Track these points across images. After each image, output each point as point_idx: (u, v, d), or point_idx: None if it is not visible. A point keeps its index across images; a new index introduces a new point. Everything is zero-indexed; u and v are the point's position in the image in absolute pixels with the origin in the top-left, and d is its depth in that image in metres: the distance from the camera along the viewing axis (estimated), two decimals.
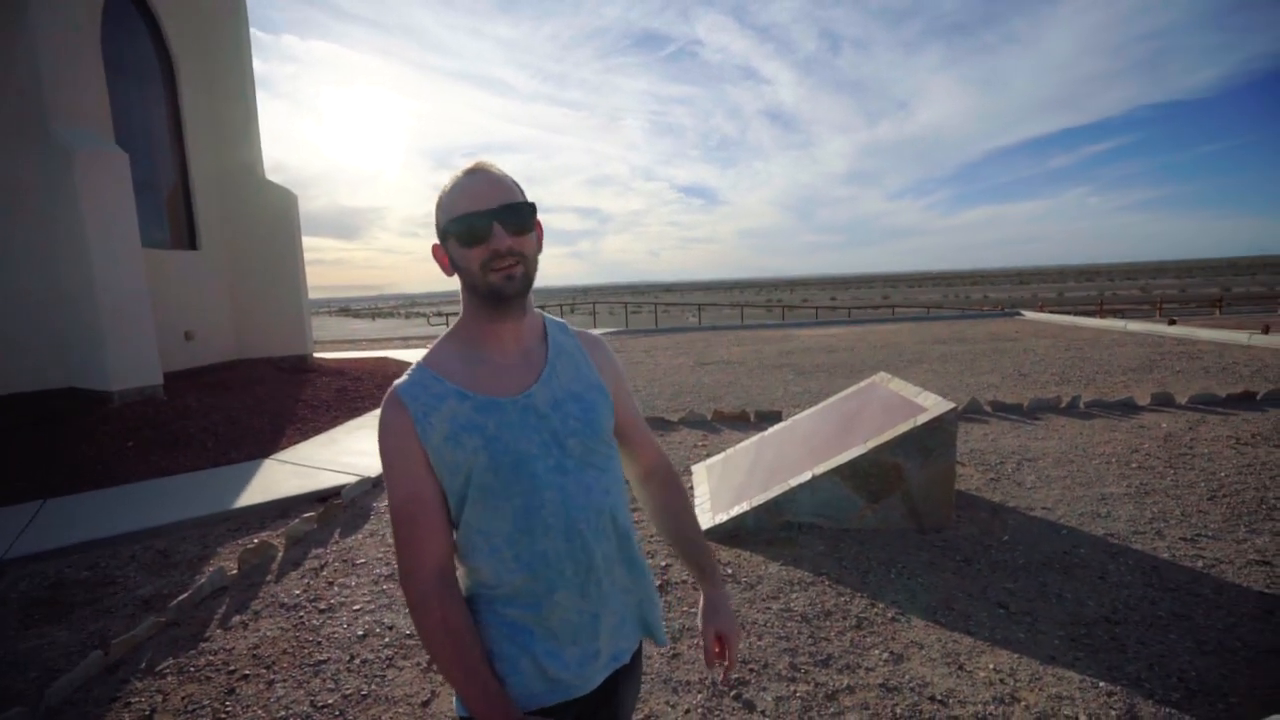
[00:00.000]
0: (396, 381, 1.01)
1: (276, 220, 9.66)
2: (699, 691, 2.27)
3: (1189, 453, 4.61)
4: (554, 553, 0.98)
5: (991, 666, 2.33)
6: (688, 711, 2.18)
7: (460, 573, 1.05)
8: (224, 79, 9.35)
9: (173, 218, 8.85)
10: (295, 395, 7.88)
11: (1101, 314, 19.35)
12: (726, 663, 1.13)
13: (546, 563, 0.98)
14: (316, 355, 10.76)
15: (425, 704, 2.29)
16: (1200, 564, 3.03)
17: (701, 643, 1.13)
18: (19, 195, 6.51)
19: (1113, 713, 2.06)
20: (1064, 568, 3.05)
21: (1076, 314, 16.96)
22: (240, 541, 3.85)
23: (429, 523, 0.97)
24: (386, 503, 4.37)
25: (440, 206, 1.00)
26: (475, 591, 1.03)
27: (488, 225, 0.95)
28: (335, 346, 16.20)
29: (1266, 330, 10.68)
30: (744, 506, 3.66)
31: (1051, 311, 18.27)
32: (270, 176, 9.90)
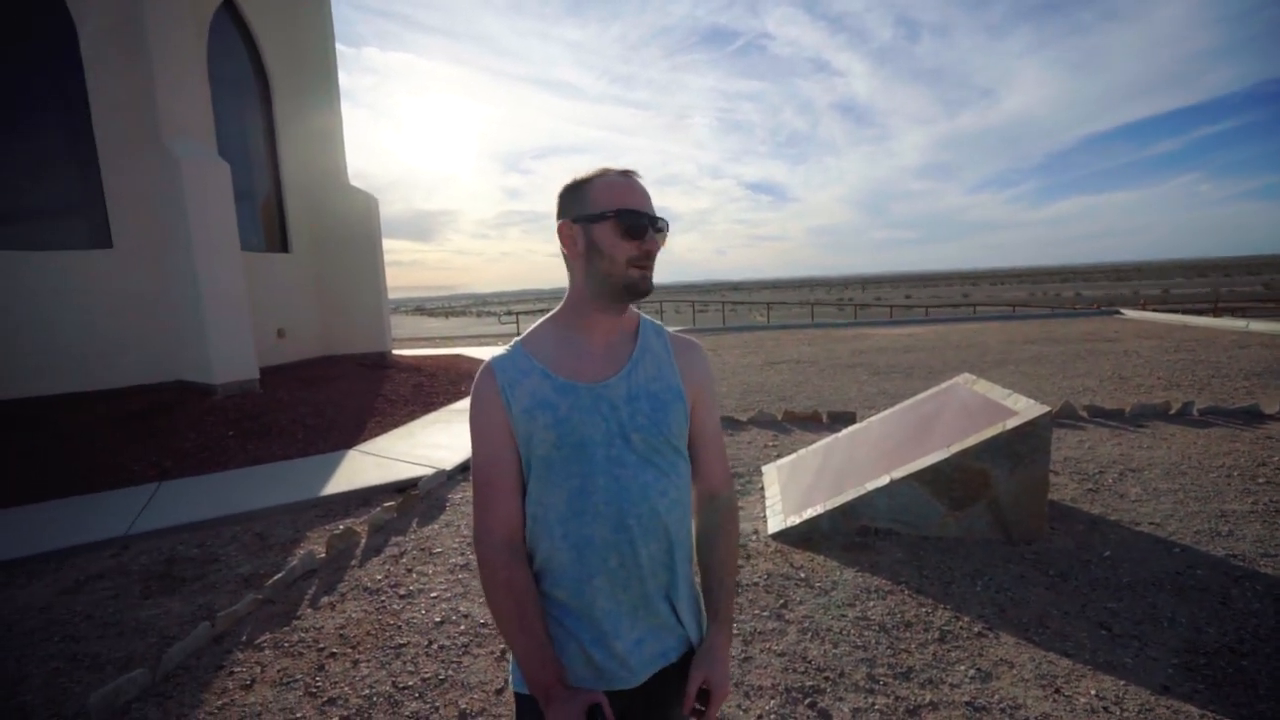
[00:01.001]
0: (495, 353, 1.10)
1: (359, 224, 10.20)
2: (772, 697, 2.21)
3: None
4: (600, 540, 1.02)
5: (1094, 692, 2.15)
6: (760, 717, 2.12)
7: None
8: (312, 91, 9.95)
9: (266, 222, 9.51)
10: (375, 390, 8.29)
11: (1217, 312, 17.62)
12: (704, 716, 1.05)
13: (592, 547, 1.01)
14: (395, 352, 11.29)
15: (499, 691, 2.35)
16: None
17: (687, 686, 1.03)
18: (134, 203, 7.16)
19: None
20: (1177, 589, 2.78)
21: (1185, 313, 15.52)
22: (327, 527, 4.08)
23: (504, 486, 1.04)
24: (460, 495, 4.52)
25: (584, 192, 1.03)
26: (534, 569, 1.07)
27: (647, 226, 1.02)
28: (411, 344, 16.96)
29: None
30: (818, 509, 3.54)
31: (1156, 310, 16.82)
32: (353, 182, 10.46)
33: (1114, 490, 3.95)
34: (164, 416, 6.53)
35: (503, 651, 2.60)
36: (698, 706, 1.04)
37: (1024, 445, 3.23)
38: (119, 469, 5.32)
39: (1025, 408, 3.38)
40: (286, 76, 9.58)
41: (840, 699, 2.19)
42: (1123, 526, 3.44)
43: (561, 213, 1.06)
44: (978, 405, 3.78)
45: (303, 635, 2.81)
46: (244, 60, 9.09)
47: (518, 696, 1.08)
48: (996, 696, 2.15)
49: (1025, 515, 3.30)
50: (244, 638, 2.80)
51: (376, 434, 6.32)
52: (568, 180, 1.07)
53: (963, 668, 2.31)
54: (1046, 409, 3.27)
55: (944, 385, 4.53)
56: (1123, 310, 15.78)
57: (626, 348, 1.10)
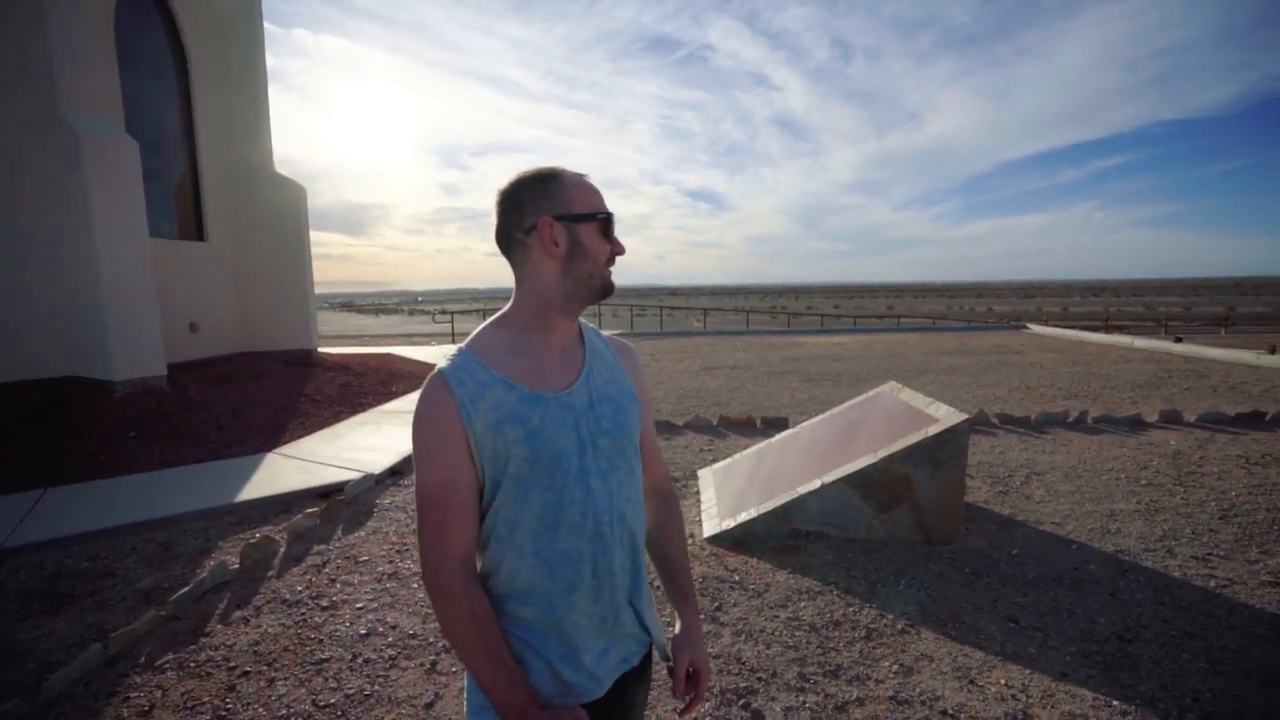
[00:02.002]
0: (440, 364, 1.00)
1: (284, 214, 9.67)
2: (707, 700, 2.23)
3: (1198, 471, 4.57)
4: (576, 553, 0.98)
5: (1003, 681, 2.29)
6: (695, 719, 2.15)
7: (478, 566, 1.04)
8: (236, 72, 9.37)
9: (181, 208, 8.85)
10: (299, 390, 7.86)
11: (1107, 329, 19.30)
12: (693, 696, 1.12)
13: (567, 562, 0.98)
14: (321, 350, 10.75)
15: (429, 706, 2.26)
16: (1213, 584, 2.99)
17: (672, 670, 1.10)
18: (26, 180, 6.51)
19: None
20: (1074, 583, 3.01)
21: (1082, 329, 16.91)
22: (242, 536, 3.82)
23: (461, 511, 0.96)
24: (390, 500, 4.35)
25: (561, 190, 0.99)
26: (488, 586, 1.01)
27: (613, 228, 1.03)
28: (339, 342, 16.20)
29: (1274, 350, 10.64)
30: (752, 513, 3.63)
31: (1057, 325, 18.23)
32: (278, 170, 9.91)
33: (1021, 492, 4.25)
34: (53, 417, 5.95)
35: (432, 664, 2.51)
36: (687, 696, 1.11)
37: (944, 451, 3.43)
38: None
39: (946, 415, 3.58)
40: (207, 54, 8.98)
41: (773, 699, 2.24)
42: (1028, 526, 3.71)
43: (529, 210, 0.99)
44: (902, 412, 3.98)
45: (211, 654, 2.61)
46: (159, 34, 8.45)
47: None
48: (918, 690, 2.26)
49: (944, 517, 3.50)
50: (142, 659, 2.58)
51: (299, 436, 5.99)
52: (524, 175, 1.01)
53: (887, 664, 2.42)
54: (965, 416, 3.48)
55: (871, 393, 4.74)
56: (1029, 325, 17.03)
57: (578, 352, 1.08)
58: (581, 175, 1.03)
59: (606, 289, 1.03)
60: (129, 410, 6.24)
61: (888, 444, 3.57)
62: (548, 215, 0.98)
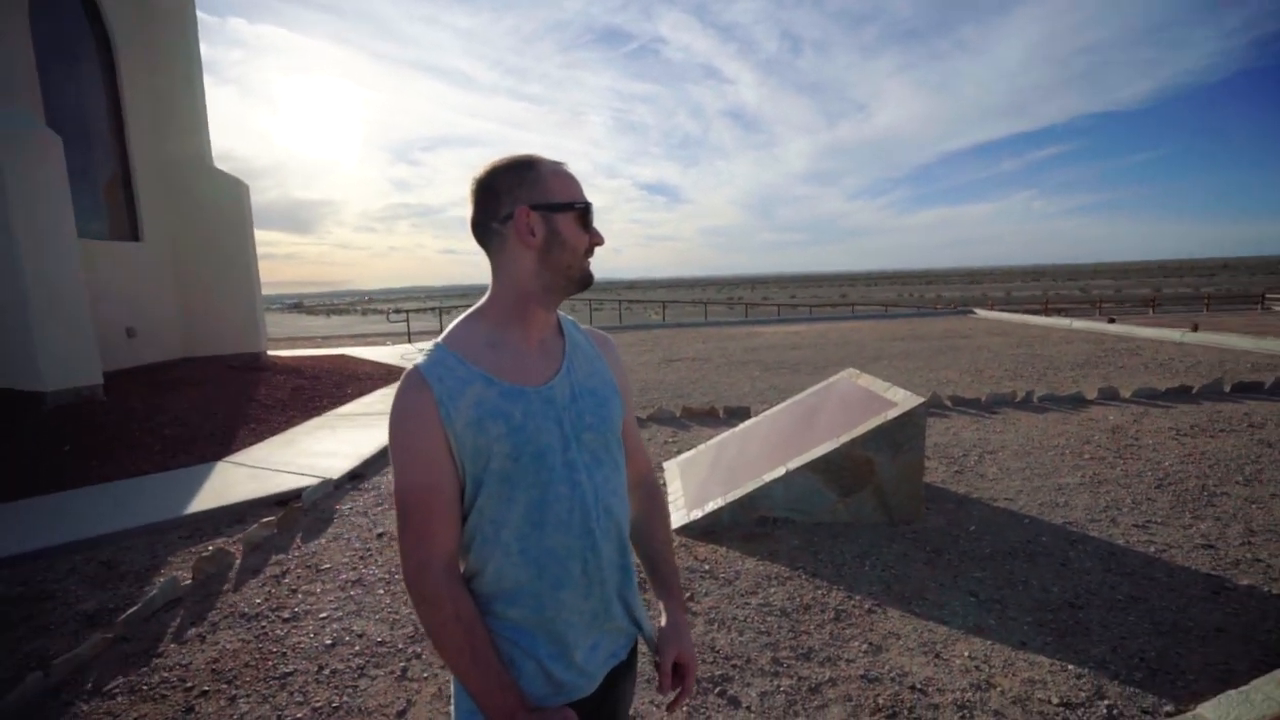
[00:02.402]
0: (416, 361, 0.97)
1: (226, 212, 9.24)
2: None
3: (1135, 444, 4.84)
4: (563, 549, 0.96)
5: (967, 654, 2.38)
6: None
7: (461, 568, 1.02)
8: (169, 62, 8.88)
9: (112, 207, 8.36)
10: (248, 395, 7.55)
11: (1047, 312, 20.21)
12: (681, 690, 1.10)
13: (555, 559, 0.96)
14: (270, 353, 10.34)
15: (401, 714, 2.21)
16: (1152, 549, 3.17)
17: (659, 664, 1.08)
18: None
19: (1082, 694, 2.13)
20: (1028, 556, 3.15)
21: (1025, 312, 17.66)
22: (194, 549, 3.65)
23: (443, 512, 0.93)
24: (350, 505, 4.22)
25: (538, 178, 0.96)
26: (473, 588, 0.98)
27: (592, 218, 1.00)
28: (289, 344, 15.61)
29: (1196, 329, 11.35)
30: (719, 502, 3.66)
31: (1001, 310, 18.99)
32: (217, 165, 9.45)
33: (975, 471, 4.42)
34: None
35: (403, 670, 2.46)
36: (674, 690, 1.09)
37: (903, 434, 3.53)
38: None
39: (903, 399, 3.69)
40: (136, 43, 8.47)
41: (748, 685, 2.27)
42: (984, 503, 3.86)
43: (505, 199, 0.96)
44: (861, 397, 4.08)
45: (165, 675, 2.49)
46: (81, 21, 7.93)
47: None
48: (887, 667, 2.33)
49: (905, 498, 3.61)
50: (89, 685, 2.44)
51: (251, 443, 5.75)
52: (500, 163, 0.98)
53: (856, 643, 2.49)
54: (922, 399, 3.59)
55: (830, 380, 4.84)
56: (975, 310, 17.69)
57: (557, 345, 1.05)
58: (559, 163, 1.00)
59: (585, 280, 1.02)
60: (62, 422, 5.88)
61: (848, 429, 3.66)
62: (524, 204, 0.95)
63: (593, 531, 0.98)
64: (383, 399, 7.69)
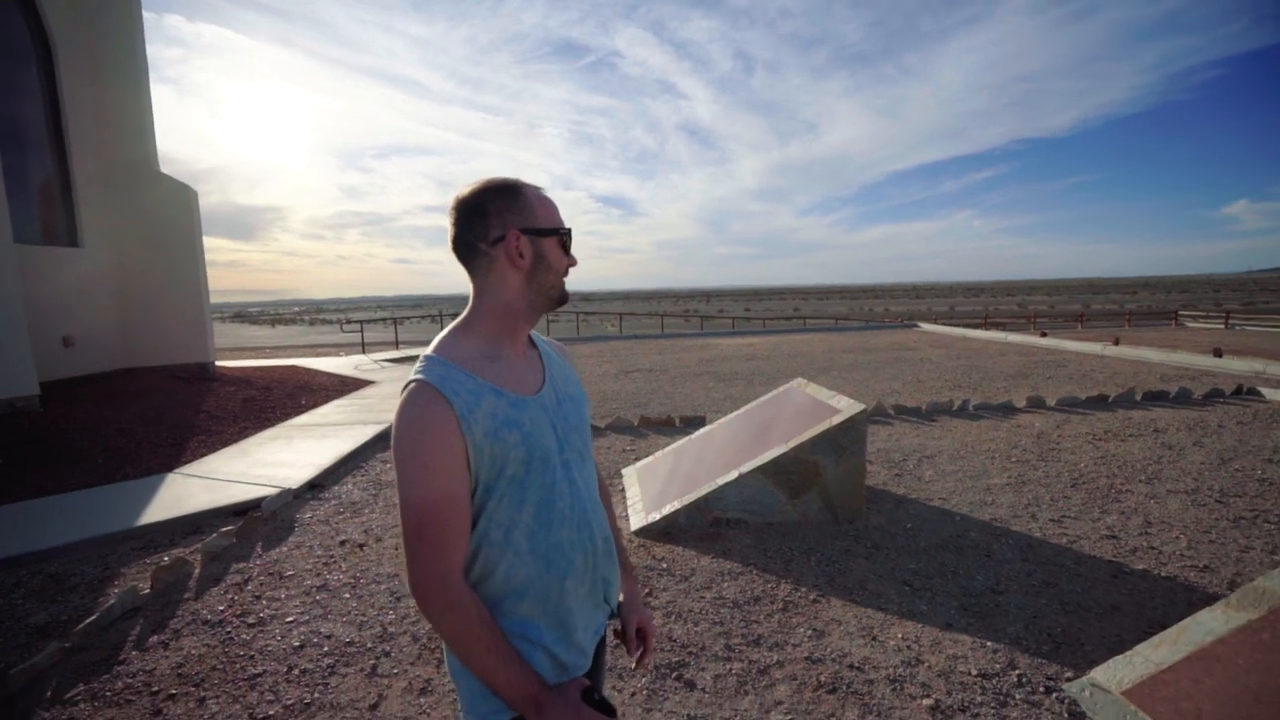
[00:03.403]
0: (422, 376, 0.98)
1: (172, 217, 9.00)
2: (643, 676, 2.41)
3: (1056, 447, 5.28)
4: (567, 543, 1.05)
5: (900, 635, 2.63)
6: (634, 694, 2.32)
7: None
8: (112, 64, 8.63)
9: (46, 211, 8.04)
10: (197, 406, 7.36)
11: (987, 327, 21.34)
12: (643, 649, 1.24)
13: (560, 553, 1.04)
14: (218, 364, 10.04)
15: (373, 707, 2.30)
16: (1065, 540, 3.52)
17: (624, 631, 1.23)
18: None
19: (997, 666, 2.40)
20: (957, 549, 3.44)
21: (966, 326, 18.60)
22: (148, 560, 3.61)
23: (460, 524, 0.97)
24: (311, 514, 4.22)
25: (524, 203, 1.03)
26: (481, 591, 1.03)
27: (571, 243, 1.09)
28: (236, 355, 15.12)
29: (1117, 342, 12.26)
30: (675, 505, 3.85)
31: (944, 324, 19.93)
32: (162, 169, 9.20)
33: (914, 474, 4.74)
34: None
35: (373, 668, 2.54)
36: (638, 650, 1.25)
37: (846, 438, 3.80)
38: None
39: (847, 406, 3.97)
40: (73, 39, 8.21)
41: (703, 669, 2.45)
42: (920, 503, 4.16)
43: (495, 221, 1.02)
44: (809, 405, 4.35)
45: (129, 681, 2.50)
46: (16, 18, 7.65)
47: None
48: (829, 649, 2.55)
49: (848, 498, 3.87)
50: (48, 694, 2.43)
51: (202, 454, 5.64)
52: (488, 185, 1.03)
53: (802, 630, 2.70)
54: (863, 407, 3.87)
55: (780, 389, 5.11)
56: (920, 324, 18.54)
57: (534, 355, 1.14)
58: (539, 188, 1.07)
59: (563, 298, 1.11)
60: None
61: (797, 435, 3.91)
62: (515, 228, 1.01)
63: (590, 524, 1.09)
64: (338, 409, 7.61)
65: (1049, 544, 3.48)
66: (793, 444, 3.82)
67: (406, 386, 0.98)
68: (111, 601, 2.99)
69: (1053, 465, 4.83)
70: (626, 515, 4.07)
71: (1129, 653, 2.27)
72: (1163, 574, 3.11)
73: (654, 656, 2.52)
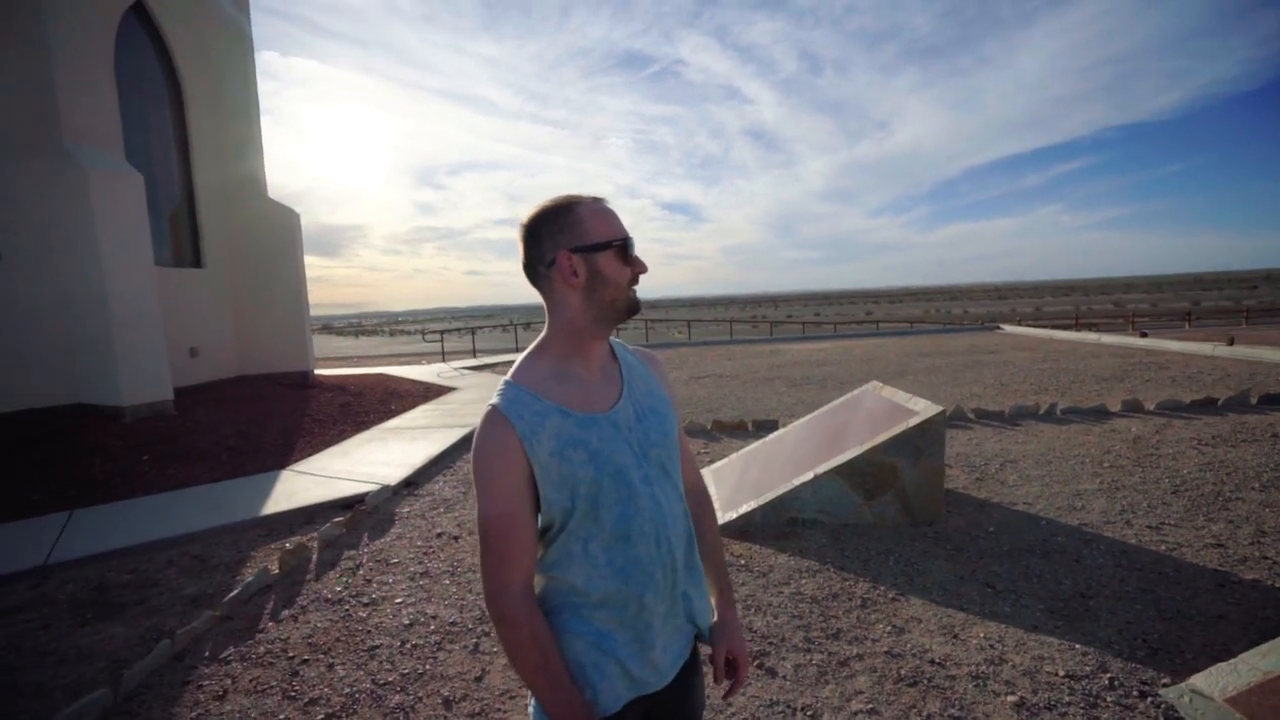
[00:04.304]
0: (495, 401, 1.04)
1: (279, 238, 9.88)
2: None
3: (1155, 453, 4.99)
4: (646, 558, 1.05)
5: (982, 635, 2.62)
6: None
7: (541, 584, 1.09)
8: (228, 98, 9.61)
9: (176, 235, 9.03)
10: (300, 410, 8.04)
11: (1077, 328, 20.04)
12: (734, 681, 1.19)
13: (640, 568, 1.05)
14: (316, 372, 10.90)
15: (478, 679, 2.53)
16: (1164, 548, 3.36)
17: (713, 657, 1.18)
18: (27, 209, 6.67)
19: (1087, 668, 2.36)
20: (1044, 553, 3.36)
21: (1053, 328, 17.58)
22: (273, 545, 4.04)
23: (522, 539, 1.01)
24: (408, 509, 4.58)
25: (575, 221, 1.04)
26: (562, 601, 1.07)
27: (633, 249, 1.08)
28: (327, 364, 16.29)
29: (1231, 342, 11.27)
30: (752, 505, 3.94)
31: (1030, 325, 18.90)
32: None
33: (996, 478, 4.62)
34: (63, 442, 6.09)
35: (475, 645, 2.78)
36: (726, 682, 1.19)
37: (924, 440, 3.78)
38: (18, 501, 4.95)
39: (924, 408, 3.94)
40: (199, 81, 9.22)
41: (784, 658, 2.54)
42: (1003, 507, 4.06)
43: (548, 244, 1.04)
44: (884, 408, 4.33)
45: (269, 646, 2.85)
46: (153, 61, 8.67)
47: None
48: (909, 645, 2.58)
49: (926, 501, 3.84)
50: (206, 654, 2.81)
51: (308, 453, 6.19)
52: (542, 210, 1.06)
53: (881, 626, 2.74)
54: (941, 409, 3.83)
55: (854, 392, 5.10)
56: (1003, 326, 17.66)
57: (614, 369, 1.14)
58: (598, 200, 1.07)
59: (633, 308, 1.08)
60: (139, 434, 6.39)
61: (872, 437, 3.92)
62: (564, 249, 1.03)
63: (669, 539, 1.08)
64: (424, 414, 8.11)
65: (1146, 550, 3.34)
66: (868, 446, 3.84)
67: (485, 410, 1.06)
68: (249, 579, 3.39)
69: (1150, 471, 4.58)
70: None
71: (1234, 660, 2.19)
72: (1277, 585, 2.93)
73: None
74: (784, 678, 2.42)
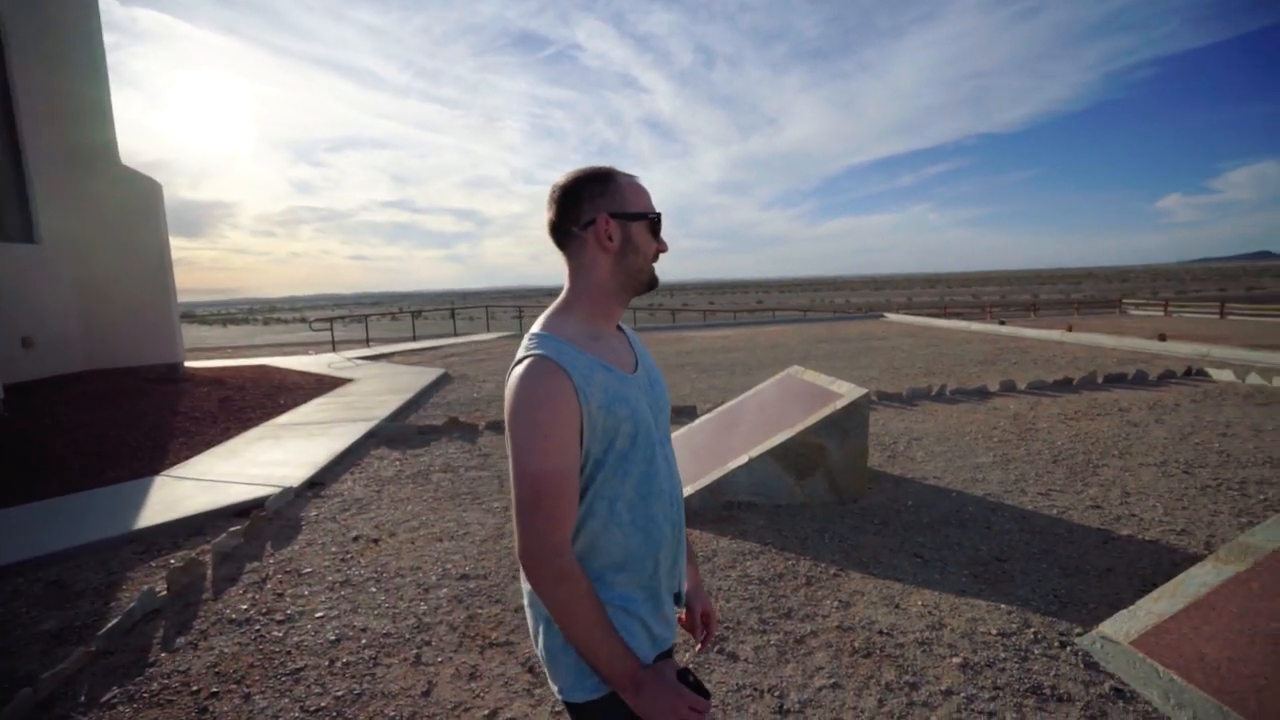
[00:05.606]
0: (540, 351, 1.00)
1: (136, 213, 8.63)
2: (686, 650, 2.50)
3: (1033, 428, 5.57)
4: (662, 516, 1.09)
5: (920, 603, 2.78)
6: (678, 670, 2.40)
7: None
8: (67, 51, 8.20)
9: (2, 206, 7.63)
10: (171, 407, 7.11)
11: (946, 316, 22.12)
12: (706, 634, 1.29)
13: (655, 524, 1.08)
14: (186, 364, 9.69)
15: (425, 693, 2.33)
16: (1055, 512, 3.75)
17: (688, 617, 1.27)
18: None
19: (1014, 625, 2.57)
20: (959, 522, 3.64)
21: (926, 316, 19.24)
22: (154, 563, 3.52)
23: (573, 494, 1.00)
24: (316, 512, 4.17)
25: (616, 190, 1.07)
26: (584, 566, 1.04)
27: (660, 228, 1.12)
28: (195, 355, 14.58)
29: (1070, 329, 12.90)
30: (689, 490, 3.94)
31: (908, 314, 20.57)
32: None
33: (906, 455, 4.95)
34: None
35: (417, 657, 2.56)
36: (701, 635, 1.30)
37: (850, 422, 3.96)
38: None
39: (849, 391, 4.13)
40: (27, 28, 7.78)
41: (742, 641, 2.56)
42: (916, 482, 4.36)
43: (587, 206, 1.05)
44: (809, 391, 4.50)
45: (165, 682, 2.46)
46: None
47: (579, 706, 1.05)
48: (857, 618, 2.69)
49: (852, 479, 4.04)
50: (83, 698, 2.38)
51: (187, 456, 5.47)
52: (583, 174, 1.07)
53: (829, 602, 2.83)
54: (866, 391, 4.03)
55: (779, 376, 5.26)
56: (886, 314, 19.09)
57: (624, 338, 1.18)
58: (633, 176, 1.10)
59: (652, 283, 1.12)
60: None
61: (801, 419, 4.05)
62: (604, 212, 1.05)
63: (678, 498, 1.15)
64: (320, 408, 7.45)
65: (1041, 515, 3.71)
66: (799, 428, 3.96)
67: (520, 361, 1.01)
68: (131, 605, 2.92)
69: (1032, 444, 5.11)
70: None
71: (1132, 607, 2.47)
72: (1146, 538, 3.36)
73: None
74: (746, 660, 2.43)
